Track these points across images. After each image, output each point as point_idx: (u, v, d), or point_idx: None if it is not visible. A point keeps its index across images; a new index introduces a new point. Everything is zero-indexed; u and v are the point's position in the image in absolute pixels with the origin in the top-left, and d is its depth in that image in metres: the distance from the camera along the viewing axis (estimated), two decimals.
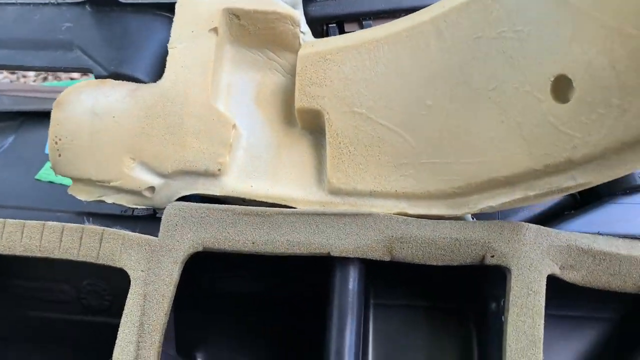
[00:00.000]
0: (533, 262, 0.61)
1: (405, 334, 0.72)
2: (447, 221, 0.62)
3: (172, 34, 0.65)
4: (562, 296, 0.65)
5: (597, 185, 0.57)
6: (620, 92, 0.44)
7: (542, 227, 0.63)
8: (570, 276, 0.62)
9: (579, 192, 0.72)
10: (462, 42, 0.56)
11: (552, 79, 0.49)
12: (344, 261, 0.63)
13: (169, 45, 0.64)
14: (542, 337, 0.59)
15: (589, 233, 0.64)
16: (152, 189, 0.64)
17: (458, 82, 0.57)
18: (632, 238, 0.64)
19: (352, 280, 0.63)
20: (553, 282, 0.61)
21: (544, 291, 0.60)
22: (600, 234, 0.64)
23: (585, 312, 0.73)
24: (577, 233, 0.63)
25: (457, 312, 0.73)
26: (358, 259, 0.63)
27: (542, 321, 0.59)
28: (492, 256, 0.61)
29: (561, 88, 0.49)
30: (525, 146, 0.53)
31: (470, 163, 0.57)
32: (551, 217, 0.70)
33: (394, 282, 0.73)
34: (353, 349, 0.61)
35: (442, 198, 0.61)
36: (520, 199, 0.56)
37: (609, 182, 0.60)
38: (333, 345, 0.61)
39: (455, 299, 0.73)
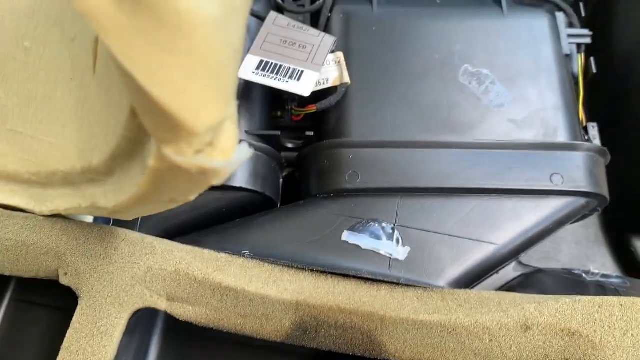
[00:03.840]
0: (114, 292, 0.47)
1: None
2: (20, 215, 0.50)
3: None
4: None
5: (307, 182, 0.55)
6: None
7: (150, 240, 0.49)
8: (183, 312, 0.48)
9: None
10: None
11: None
12: None
13: None
14: None
15: (229, 252, 0.51)
16: None
17: (55, 20, 0.45)
18: (285, 266, 0.50)
19: None
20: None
21: (118, 334, 0.47)
22: (245, 254, 0.51)
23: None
24: (202, 252, 0.50)
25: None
26: None
27: None
28: (66, 273, 0.48)
29: None
30: (81, 134, 0.42)
31: (46, 142, 0.45)
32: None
33: None
34: None
35: (23, 185, 0.49)
36: (76, 208, 0.44)
37: (317, 182, 0.56)
38: None
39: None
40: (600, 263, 0.71)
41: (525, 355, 0.47)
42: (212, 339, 0.63)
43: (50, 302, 0.63)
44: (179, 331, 0.63)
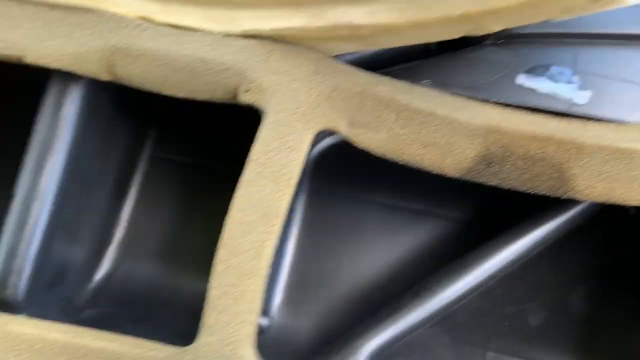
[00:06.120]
0: (300, 108, 0.45)
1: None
2: (197, 33, 0.47)
3: None
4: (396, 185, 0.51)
5: None
6: None
7: (332, 60, 0.47)
8: (362, 139, 0.46)
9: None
10: None
11: None
12: (63, 78, 0.47)
13: None
14: (285, 209, 0.44)
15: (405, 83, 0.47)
16: None
17: None
18: (468, 97, 0.48)
19: (68, 104, 0.48)
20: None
21: (305, 151, 0.44)
22: (425, 83, 0.49)
23: (425, 206, 0.60)
24: (385, 78, 0.47)
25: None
26: (79, 76, 0.47)
27: (290, 190, 0.44)
28: (247, 90, 0.45)
29: None
30: None
31: None
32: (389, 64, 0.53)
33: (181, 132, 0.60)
34: (56, 195, 0.48)
35: (202, 5, 0.46)
36: (298, 27, 0.42)
37: None
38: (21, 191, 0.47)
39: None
40: None
41: None
42: (356, 200, 0.62)
43: (188, 161, 0.62)
44: (325, 188, 0.62)
